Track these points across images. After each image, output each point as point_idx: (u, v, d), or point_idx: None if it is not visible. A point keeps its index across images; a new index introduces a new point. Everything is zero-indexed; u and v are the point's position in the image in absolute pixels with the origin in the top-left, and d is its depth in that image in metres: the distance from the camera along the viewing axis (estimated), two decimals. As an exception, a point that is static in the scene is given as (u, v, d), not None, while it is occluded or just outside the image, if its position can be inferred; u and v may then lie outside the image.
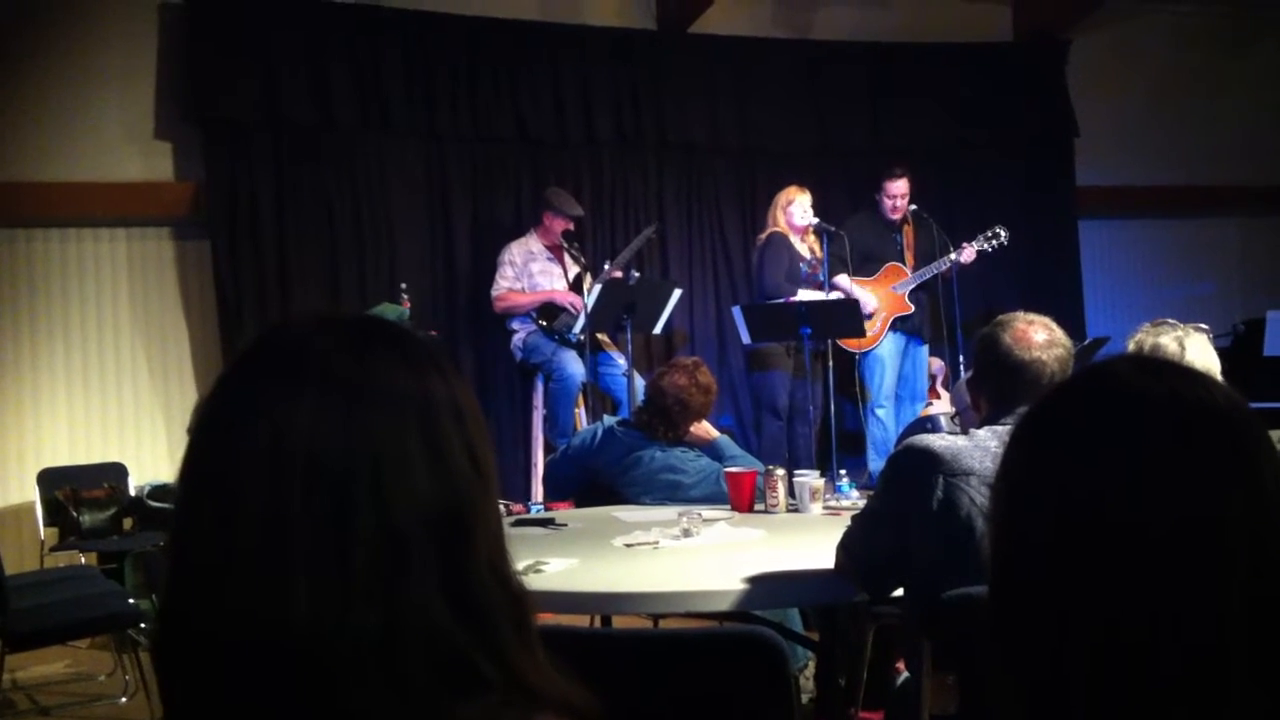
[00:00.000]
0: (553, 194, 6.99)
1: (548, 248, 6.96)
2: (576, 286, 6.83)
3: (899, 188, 7.10)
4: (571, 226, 6.94)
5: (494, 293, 6.91)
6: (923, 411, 6.99)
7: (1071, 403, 1.07)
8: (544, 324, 6.75)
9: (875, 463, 6.76)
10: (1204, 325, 3.45)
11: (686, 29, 7.85)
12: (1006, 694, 1.01)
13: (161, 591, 0.99)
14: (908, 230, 7.23)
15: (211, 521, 0.93)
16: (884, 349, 7.08)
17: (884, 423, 7.03)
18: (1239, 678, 0.91)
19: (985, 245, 6.99)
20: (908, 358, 7.20)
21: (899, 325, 7.10)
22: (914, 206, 7.13)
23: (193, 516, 0.95)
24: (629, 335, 6.46)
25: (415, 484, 0.94)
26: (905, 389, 7.20)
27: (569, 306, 6.72)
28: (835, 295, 6.78)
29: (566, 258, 6.96)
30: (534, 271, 6.89)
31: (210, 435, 0.97)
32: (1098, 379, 1.07)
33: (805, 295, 6.80)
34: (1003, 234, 6.99)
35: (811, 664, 3.99)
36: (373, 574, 0.91)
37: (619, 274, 6.72)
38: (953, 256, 6.91)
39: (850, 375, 7.18)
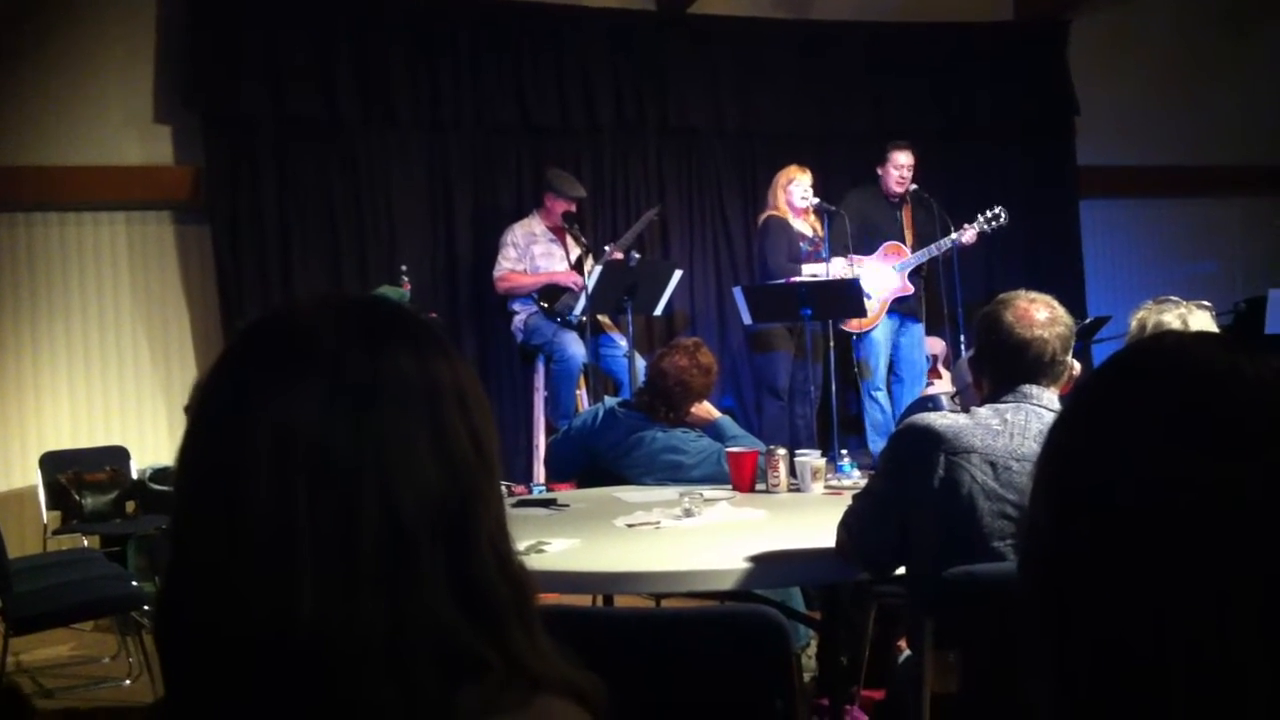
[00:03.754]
0: (554, 175, 6.97)
1: (550, 229, 6.94)
2: (579, 268, 6.83)
3: (905, 158, 7.09)
4: (573, 208, 6.93)
5: (496, 274, 6.90)
6: (924, 391, 6.98)
7: (1152, 382, 0.97)
8: (545, 305, 6.74)
9: (875, 444, 6.76)
10: (1206, 302, 3.45)
11: (686, 10, 7.82)
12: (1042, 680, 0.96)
13: (162, 583, 0.98)
14: (906, 210, 7.22)
15: (215, 515, 0.92)
16: (879, 331, 7.07)
17: (882, 405, 7.02)
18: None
19: (985, 226, 6.96)
20: (904, 338, 7.18)
21: (894, 306, 7.09)
22: (914, 186, 7.11)
23: (195, 508, 0.94)
24: (630, 317, 6.46)
25: (421, 473, 0.93)
26: (906, 369, 7.19)
27: (571, 287, 6.72)
28: (838, 270, 6.77)
29: (569, 239, 6.96)
30: (536, 253, 6.88)
31: (213, 425, 0.96)
32: (1176, 357, 0.97)
33: (810, 270, 6.80)
34: (1003, 215, 6.96)
35: (813, 643, 4.00)
36: (378, 566, 0.90)
37: (619, 255, 6.72)
38: (953, 237, 6.89)
39: (849, 356, 7.17)
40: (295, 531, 0.89)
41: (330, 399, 0.93)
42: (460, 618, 0.92)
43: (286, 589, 0.89)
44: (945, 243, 6.91)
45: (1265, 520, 0.88)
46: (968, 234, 6.92)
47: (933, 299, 7.17)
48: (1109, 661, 0.91)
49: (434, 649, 0.91)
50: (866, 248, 7.07)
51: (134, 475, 6.37)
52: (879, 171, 7.20)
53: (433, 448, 0.94)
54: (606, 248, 6.86)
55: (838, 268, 6.80)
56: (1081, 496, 0.95)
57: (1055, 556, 0.96)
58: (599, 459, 4.46)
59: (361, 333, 0.97)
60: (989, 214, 6.97)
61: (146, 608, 4.66)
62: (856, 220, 6.98)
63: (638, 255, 6.78)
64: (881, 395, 7.06)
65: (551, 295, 6.76)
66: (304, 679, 0.89)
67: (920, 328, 7.23)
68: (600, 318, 6.82)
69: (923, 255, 7.01)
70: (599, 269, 6.49)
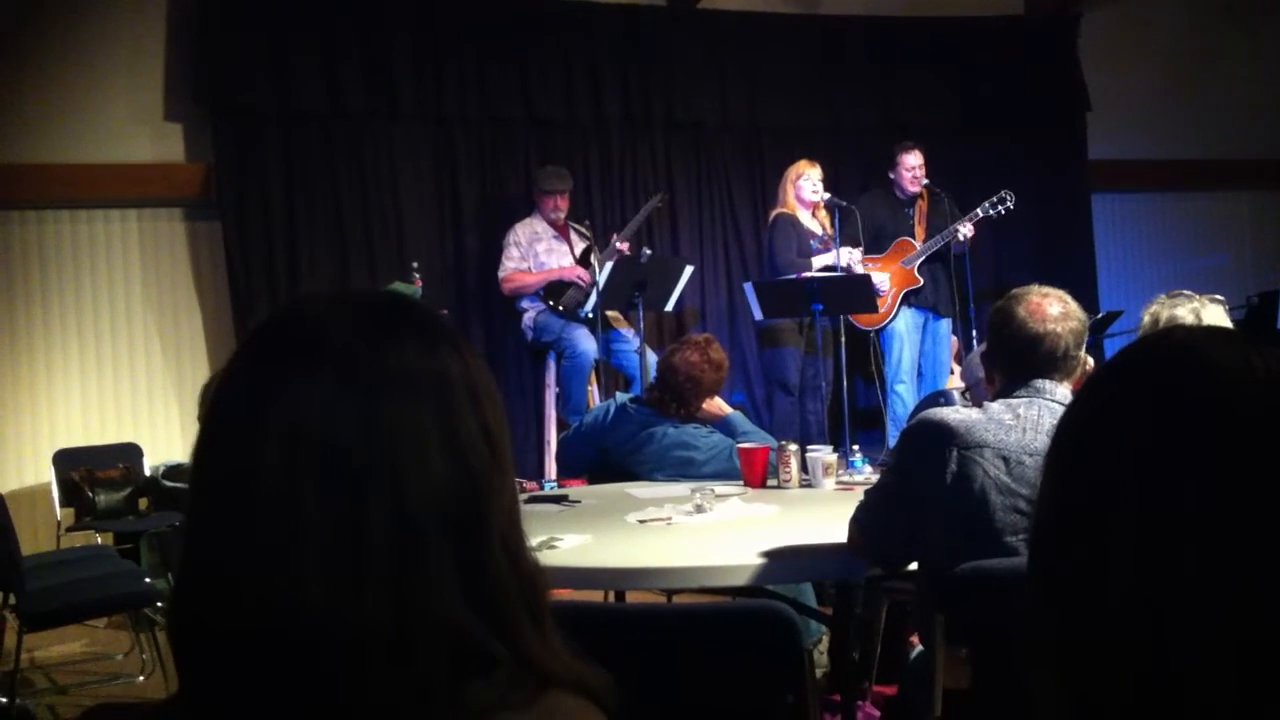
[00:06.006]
0: (538, 173, 7.04)
1: (551, 225, 6.96)
2: (584, 262, 6.83)
3: (914, 159, 7.07)
4: (563, 200, 6.93)
5: (501, 274, 6.92)
6: (949, 385, 6.94)
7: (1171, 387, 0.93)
8: (551, 303, 6.75)
9: (895, 439, 6.71)
10: (1220, 296, 3.43)
11: (696, 5, 7.81)
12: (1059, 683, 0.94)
13: (175, 578, 0.98)
14: (920, 204, 7.18)
15: (225, 509, 0.92)
16: (900, 324, 7.03)
17: (904, 399, 6.98)
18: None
19: (990, 211, 6.89)
20: (928, 334, 7.15)
21: (912, 300, 7.06)
22: (926, 181, 7.09)
23: (206, 503, 0.94)
24: (640, 313, 6.46)
25: (430, 468, 0.92)
26: (928, 365, 7.16)
27: (577, 281, 6.73)
28: (846, 261, 6.74)
29: (573, 235, 6.97)
30: (539, 251, 6.90)
31: (224, 420, 0.96)
32: (1185, 353, 0.94)
33: (820, 262, 6.78)
34: (1009, 198, 6.87)
35: (825, 639, 4.00)
36: (386, 561, 0.90)
37: (624, 246, 6.72)
38: (955, 228, 6.84)
39: (865, 352, 7.15)
40: (302, 525, 0.89)
41: (337, 391, 0.92)
42: (469, 613, 0.92)
43: (294, 582, 0.88)
44: (950, 232, 6.86)
45: (1273, 520, 0.87)
46: (965, 226, 6.86)
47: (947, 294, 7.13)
48: (1110, 660, 0.90)
49: (442, 645, 0.90)
50: (876, 252, 7.05)
51: (146, 472, 6.38)
52: (890, 175, 7.18)
53: (442, 441, 0.94)
54: (614, 237, 6.88)
55: (846, 255, 6.77)
56: (1087, 494, 0.94)
57: (1060, 554, 0.95)
58: (610, 455, 4.46)
59: (369, 326, 0.97)
60: (995, 198, 6.87)
61: (159, 604, 4.67)
62: (866, 226, 6.96)
63: (649, 251, 6.79)
64: (904, 388, 7.01)
65: (557, 291, 6.76)
66: (313, 674, 0.88)
67: (945, 324, 7.16)
68: (611, 313, 6.82)
69: (930, 246, 6.98)
70: (610, 264, 6.49)
